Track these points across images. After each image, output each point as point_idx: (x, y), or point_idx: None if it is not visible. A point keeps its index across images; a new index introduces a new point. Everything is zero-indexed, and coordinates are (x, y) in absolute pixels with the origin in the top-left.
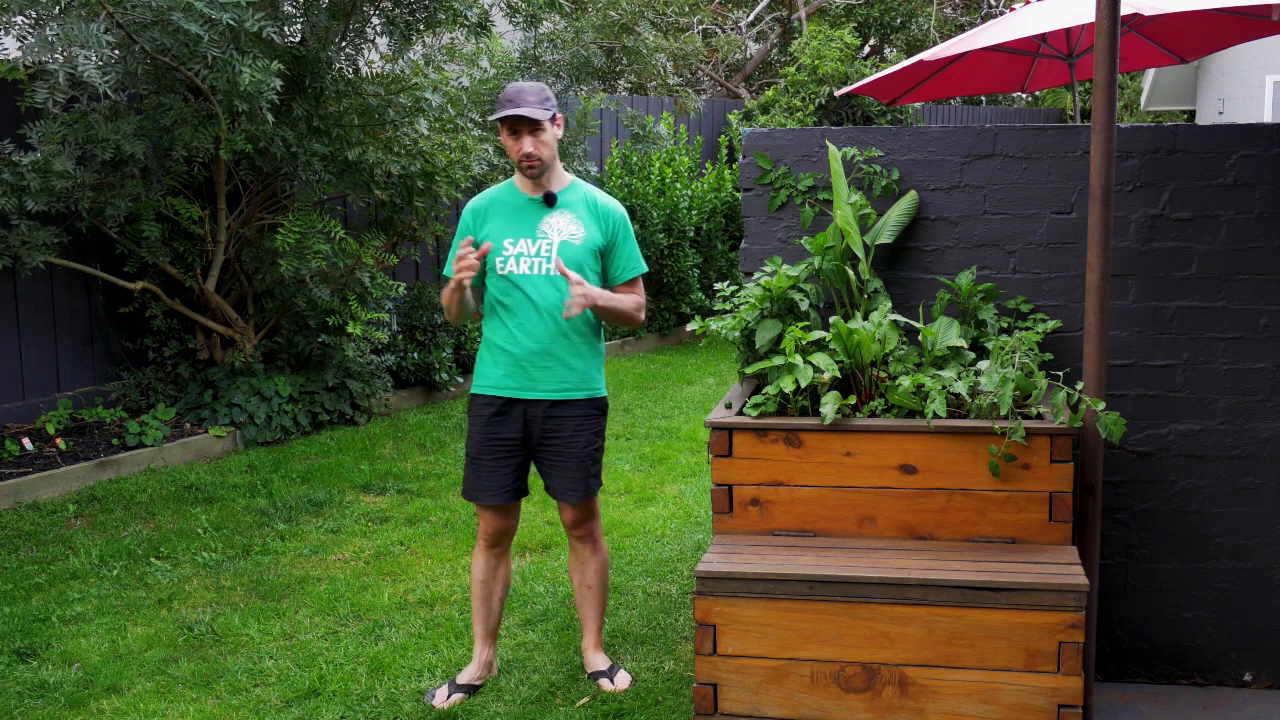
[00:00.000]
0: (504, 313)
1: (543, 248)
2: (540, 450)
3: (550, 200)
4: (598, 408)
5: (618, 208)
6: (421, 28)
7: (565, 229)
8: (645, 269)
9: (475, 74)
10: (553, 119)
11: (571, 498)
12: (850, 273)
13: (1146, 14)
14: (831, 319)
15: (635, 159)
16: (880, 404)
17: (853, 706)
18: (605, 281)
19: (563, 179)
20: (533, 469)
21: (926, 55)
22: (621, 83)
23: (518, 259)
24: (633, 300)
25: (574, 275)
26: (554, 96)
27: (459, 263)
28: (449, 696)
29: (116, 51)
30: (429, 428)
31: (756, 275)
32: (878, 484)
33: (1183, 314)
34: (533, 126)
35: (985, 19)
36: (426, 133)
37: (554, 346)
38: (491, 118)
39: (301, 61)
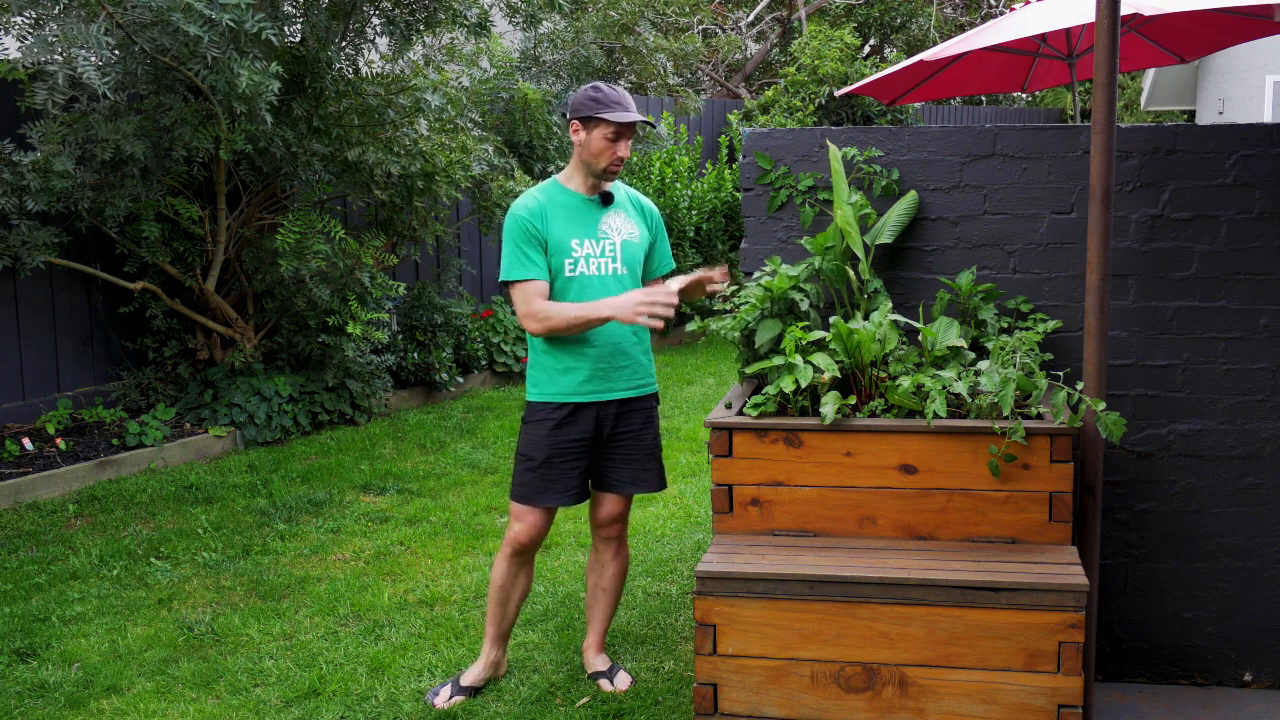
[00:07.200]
0: None
1: (606, 248)
2: (610, 446)
3: (608, 199)
4: (656, 400)
5: (653, 205)
6: (421, 28)
7: (623, 228)
8: (674, 265)
9: (475, 74)
10: None
11: (645, 488)
12: (850, 273)
13: (1146, 14)
14: (831, 319)
15: (635, 159)
16: (880, 404)
17: (853, 706)
18: (644, 276)
19: None
20: None
21: (926, 55)
22: (621, 83)
23: (586, 260)
24: None
25: (667, 287)
26: None
27: (650, 307)
28: (450, 697)
29: (116, 52)
30: (429, 428)
31: (756, 275)
32: (878, 484)
33: (1183, 314)
34: (633, 133)
35: (985, 19)
36: (426, 133)
37: (626, 345)
38: (608, 116)
39: (301, 62)
